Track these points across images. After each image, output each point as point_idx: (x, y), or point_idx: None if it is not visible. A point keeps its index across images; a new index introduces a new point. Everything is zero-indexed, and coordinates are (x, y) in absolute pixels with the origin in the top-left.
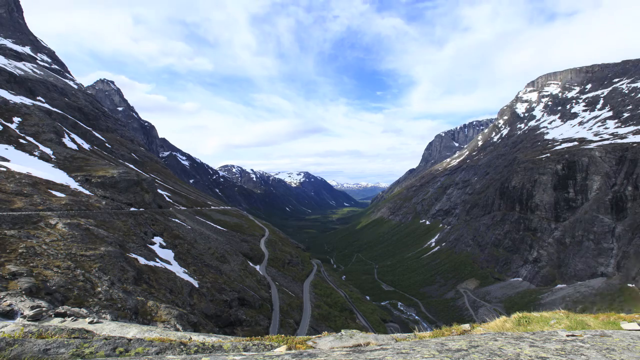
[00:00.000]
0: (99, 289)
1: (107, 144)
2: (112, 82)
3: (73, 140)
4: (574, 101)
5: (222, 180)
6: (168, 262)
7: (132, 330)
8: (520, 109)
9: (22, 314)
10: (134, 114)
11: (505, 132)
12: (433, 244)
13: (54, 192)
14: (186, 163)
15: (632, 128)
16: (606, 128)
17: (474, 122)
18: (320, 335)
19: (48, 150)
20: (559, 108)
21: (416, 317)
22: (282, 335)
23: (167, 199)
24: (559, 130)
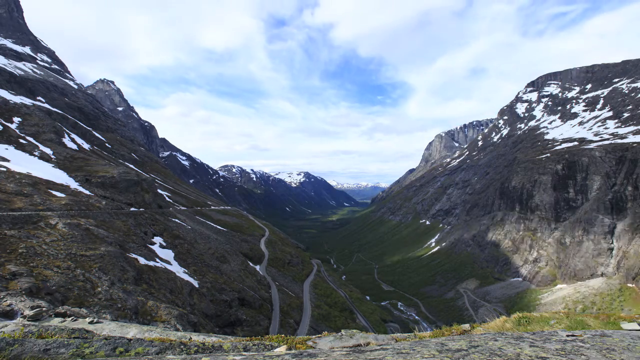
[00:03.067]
0: (99, 289)
1: (107, 144)
2: (112, 82)
3: (73, 140)
4: (574, 101)
5: (222, 180)
6: (168, 262)
7: (132, 330)
8: (520, 109)
9: (22, 314)
10: (134, 113)
11: (505, 132)
12: (433, 244)
13: (54, 192)
14: (186, 163)
15: (632, 128)
16: (606, 128)
17: (474, 122)
18: (320, 335)
19: (48, 150)
20: (559, 108)
21: (416, 317)
22: (282, 335)
23: (167, 199)
24: (559, 130)
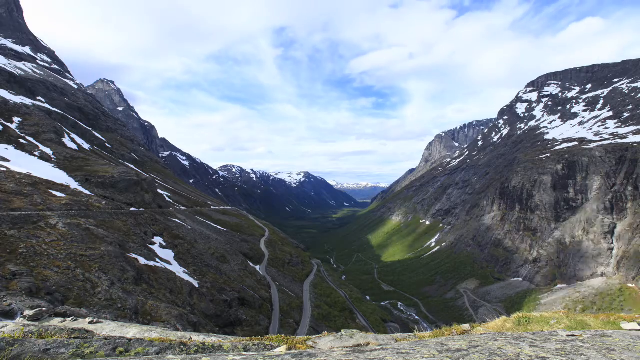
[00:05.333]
0: (99, 289)
1: (107, 144)
2: (112, 82)
3: (73, 140)
4: (574, 101)
5: (222, 180)
6: (168, 262)
7: (132, 330)
8: (521, 109)
9: (22, 314)
10: (134, 113)
11: (505, 132)
12: (433, 244)
13: (54, 192)
14: (186, 163)
15: (632, 128)
16: (606, 128)
17: (474, 122)
18: (320, 335)
19: (48, 150)
20: (559, 108)
21: (416, 317)
22: (282, 335)
23: (167, 199)
24: (559, 130)
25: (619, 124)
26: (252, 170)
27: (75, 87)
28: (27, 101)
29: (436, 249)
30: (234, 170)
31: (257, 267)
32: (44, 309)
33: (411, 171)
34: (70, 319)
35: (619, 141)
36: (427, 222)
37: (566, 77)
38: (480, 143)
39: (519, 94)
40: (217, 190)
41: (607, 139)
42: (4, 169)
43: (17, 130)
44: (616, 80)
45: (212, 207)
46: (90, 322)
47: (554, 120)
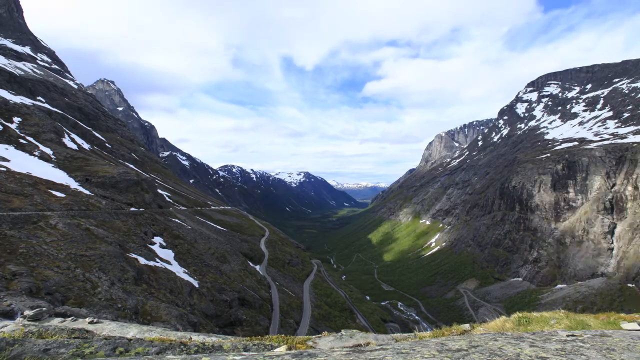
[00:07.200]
0: (99, 289)
1: (107, 144)
2: (113, 82)
3: (73, 140)
4: (574, 101)
5: (222, 180)
6: (168, 262)
7: (132, 330)
8: (521, 109)
9: (22, 314)
10: (134, 113)
11: (505, 132)
12: (433, 244)
13: (54, 192)
14: (186, 163)
15: (632, 128)
16: (606, 128)
17: (474, 122)
18: (320, 335)
19: (48, 150)
20: (559, 108)
21: (416, 317)
22: (282, 335)
23: (167, 199)
24: (559, 130)
25: (619, 124)
26: (252, 170)
27: (75, 87)
28: (27, 101)
29: (436, 249)
30: (234, 170)
31: (257, 267)
32: (44, 309)
33: (411, 171)
34: (70, 319)
35: (619, 141)
36: (427, 222)
37: (566, 77)
38: (480, 143)
39: (519, 94)
40: (217, 190)
41: (607, 139)
42: (4, 169)
43: (17, 130)
44: (616, 80)
45: (212, 207)
46: (90, 322)
47: (554, 120)
